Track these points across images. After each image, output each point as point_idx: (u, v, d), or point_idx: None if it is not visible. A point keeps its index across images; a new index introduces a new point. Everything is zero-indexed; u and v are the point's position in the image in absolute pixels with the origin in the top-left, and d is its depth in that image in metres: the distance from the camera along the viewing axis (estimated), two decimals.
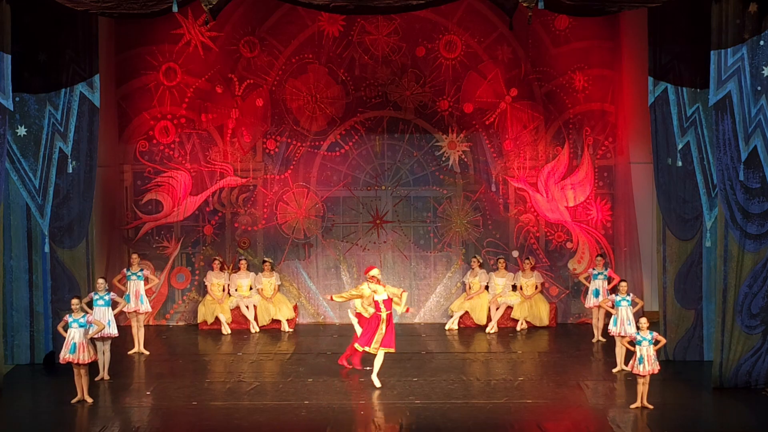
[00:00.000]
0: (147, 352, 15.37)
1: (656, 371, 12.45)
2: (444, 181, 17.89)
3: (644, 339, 12.42)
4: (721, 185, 13.09)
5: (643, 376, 12.34)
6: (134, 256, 16.02)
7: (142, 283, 15.48)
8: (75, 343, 12.76)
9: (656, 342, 12.46)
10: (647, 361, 12.33)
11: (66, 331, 12.86)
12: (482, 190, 17.86)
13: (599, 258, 16.10)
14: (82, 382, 12.78)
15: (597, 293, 15.75)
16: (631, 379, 13.61)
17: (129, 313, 15.39)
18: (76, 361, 12.73)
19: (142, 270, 15.57)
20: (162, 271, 17.73)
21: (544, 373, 14.13)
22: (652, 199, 15.61)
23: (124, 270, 15.66)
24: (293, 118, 17.84)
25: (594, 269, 15.96)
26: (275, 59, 17.73)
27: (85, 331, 12.83)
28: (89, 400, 12.75)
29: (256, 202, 17.92)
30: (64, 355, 12.79)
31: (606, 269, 15.92)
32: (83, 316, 12.89)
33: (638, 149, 16.98)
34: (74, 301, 13.05)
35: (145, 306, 15.47)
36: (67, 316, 12.91)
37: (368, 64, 17.75)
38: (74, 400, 12.74)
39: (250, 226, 17.92)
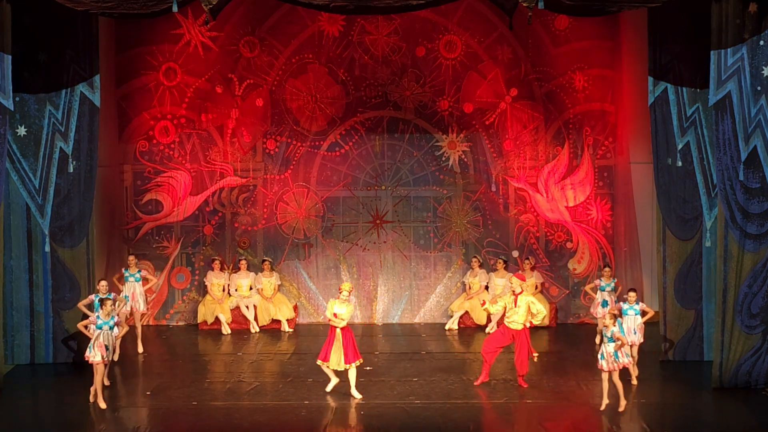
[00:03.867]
0: (142, 351, 15.43)
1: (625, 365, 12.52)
2: (444, 181, 17.89)
3: (630, 308, 13.42)
4: (721, 185, 13.09)
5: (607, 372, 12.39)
6: (131, 257, 15.90)
7: (140, 284, 15.54)
8: (107, 346, 12.71)
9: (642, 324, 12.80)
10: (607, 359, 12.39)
11: (87, 329, 12.86)
12: (482, 190, 17.86)
13: (607, 269, 15.67)
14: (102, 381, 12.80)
15: (606, 304, 15.23)
16: (630, 379, 13.63)
17: (127, 314, 15.49)
18: (107, 362, 12.77)
19: (140, 271, 15.61)
20: (162, 271, 17.74)
21: (544, 373, 14.12)
22: (652, 199, 15.61)
23: (123, 270, 15.76)
24: (293, 118, 17.84)
25: (601, 280, 15.50)
26: (275, 59, 17.73)
27: (112, 333, 12.86)
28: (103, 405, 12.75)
29: (256, 202, 17.92)
30: (105, 356, 12.68)
31: (613, 280, 15.51)
32: (112, 318, 12.86)
33: (638, 149, 16.98)
34: (108, 302, 12.97)
35: (143, 306, 15.56)
36: (95, 317, 12.83)
37: (368, 64, 17.76)
38: (92, 400, 12.75)
39: (250, 226, 17.92)
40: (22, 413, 12.60)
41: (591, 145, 17.71)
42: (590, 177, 17.73)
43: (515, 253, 17.74)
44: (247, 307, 17.24)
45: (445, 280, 17.85)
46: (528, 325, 13.56)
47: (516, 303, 13.47)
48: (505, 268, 17.39)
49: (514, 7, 14.82)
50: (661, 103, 14.22)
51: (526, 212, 17.82)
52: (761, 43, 12.89)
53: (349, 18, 17.45)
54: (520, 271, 17.08)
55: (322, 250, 17.95)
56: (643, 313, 13.72)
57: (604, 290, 15.40)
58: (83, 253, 14.67)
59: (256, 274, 17.48)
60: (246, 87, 17.75)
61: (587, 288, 16.20)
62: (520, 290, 13.58)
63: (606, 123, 17.69)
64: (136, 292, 15.48)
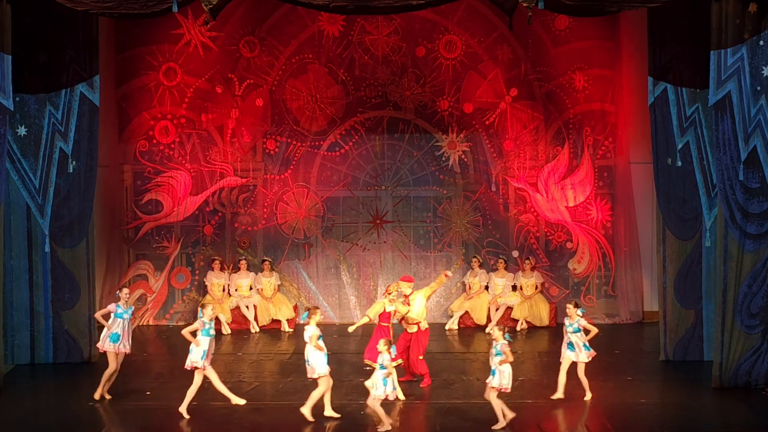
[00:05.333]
0: (109, 397, 12.97)
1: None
2: (444, 181, 17.89)
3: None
4: (721, 185, 13.09)
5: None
6: (125, 290, 13.19)
7: (130, 321, 13.15)
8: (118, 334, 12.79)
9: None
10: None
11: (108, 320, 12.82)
12: (482, 190, 17.87)
13: (569, 307, 12.81)
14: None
15: (571, 347, 12.74)
16: (631, 379, 13.64)
17: (111, 353, 12.95)
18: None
19: (131, 307, 13.23)
20: (162, 271, 17.74)
21: (544, 373, 14.13)
22: (652, 199, 15.62)
23: (113, 306, 13.02)
24: (293, 118, 17.84)
25: (567, 319, 12.83)
26: (275, 59, 17.74)
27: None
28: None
29: (256, 202, 17.92)
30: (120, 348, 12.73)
31: (578, 320, 12.68)
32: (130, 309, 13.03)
33: (638, 149, 17.01)
34: (125, 290, 13.03)
35: (129, 347, 13.14)
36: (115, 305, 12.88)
37: (368, 64, 17.76)
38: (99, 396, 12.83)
39: (250, 226, 17.92)
40: (22, 413, 12.59)
41: (591, 145, 17.71)
42: (590, 177, 17.73)
43: (515, 253, 17.74)
44: (247, 307, 17.25)
45: (445, 280, 17.82)
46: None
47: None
48: (506, 268, 17.40)
49: (514, 7, 14.83)
50: (660, 103, 14.22)
51: (526, 212, 17.83)
52: (761, 43, 12.88)
53: (349, 18, 17.45)
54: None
55: (322, 250, 17.95)
56: (586, 332, 12.57)
57: (568, 329, 12.83)
58: (83, 253, 14.67)
59: (256, 274, 17.49)
60: (246, 87, 17.75)
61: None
62: (410, 291, 13.41)
63: (606, 123, 17.69)
64: (127, 330, 12.98)
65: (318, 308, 12.48)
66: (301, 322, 12.55)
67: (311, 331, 12.10)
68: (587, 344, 12.71)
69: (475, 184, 17.89)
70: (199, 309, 12.64)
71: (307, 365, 12.12)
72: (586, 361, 12.68)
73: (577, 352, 12.67)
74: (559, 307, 17.56)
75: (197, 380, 12.27)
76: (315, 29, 17.68)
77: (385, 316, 13.38)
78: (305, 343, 12.25)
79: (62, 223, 14.55)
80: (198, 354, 12.23)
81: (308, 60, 17.77)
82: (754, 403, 12.65)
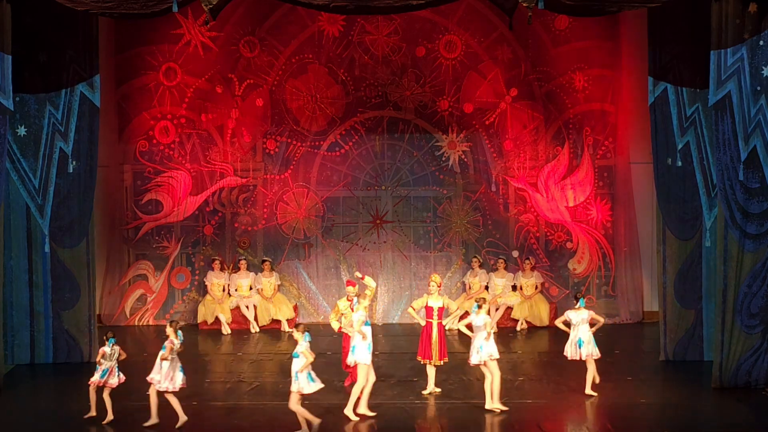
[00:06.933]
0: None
1: None
2: (444, 181, 17.89)
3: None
4: (721, 185, 13.09)
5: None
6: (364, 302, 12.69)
7: None
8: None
9: None
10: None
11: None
12: (482, 190, 17.86)
13: (296, 332, 11.79)
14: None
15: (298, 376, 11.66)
16: (631, 379, 13.64)
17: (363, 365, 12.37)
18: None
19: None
20: (162, 271, 17.74)
21: (544, 373, 14.12)
22: (652, 199, 15.63)
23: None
24: (293, 118, 17.84)
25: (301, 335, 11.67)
26: (275, 59, 17.74)
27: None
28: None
29: (256, 202, 17.92)
30: None
31: (303, 343, 11.51)
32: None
33: (638, 149, 17.02)
34: None
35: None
36: None
37: (368, 64, 17.76)
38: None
39: (250, 226, 17.92)
40: (22, 413, 12.59)
41: (591, 145, 17.71)
42: (590, 177, 17.73)
43: (515, 253, 17.74)
44: (247, 307, 17.25)
45: (445, 280, 17.84)
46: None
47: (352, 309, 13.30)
48: (505, 268, 17.41)
49: (514, 7, 14.83)
50: (661, 103, 14.22)
51: (526, 212, 17.83)
52: (761, 43, 12.88)
53: (349, 18, 17.45)
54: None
55: (322, 250, 17.95)
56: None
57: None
58: (83, 253, 14.67)
59: (256, 274, 17.49)
60: (246, 87, 17.75)
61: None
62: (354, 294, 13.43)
63: (606, 123, 17.69)
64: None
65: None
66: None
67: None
68: (312, 375, 11.61)
69: (475, 184, 17.89)
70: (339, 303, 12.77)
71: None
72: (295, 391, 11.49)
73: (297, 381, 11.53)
74: (559, 307, 17.57)
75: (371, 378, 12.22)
76: (315, 29, 17.69)
77: (429, 310, 13.18)
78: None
79: (62, 223, 14.55)
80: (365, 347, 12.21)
81: (308, 60, 17.77)
82: (754, 403, 12.65)
